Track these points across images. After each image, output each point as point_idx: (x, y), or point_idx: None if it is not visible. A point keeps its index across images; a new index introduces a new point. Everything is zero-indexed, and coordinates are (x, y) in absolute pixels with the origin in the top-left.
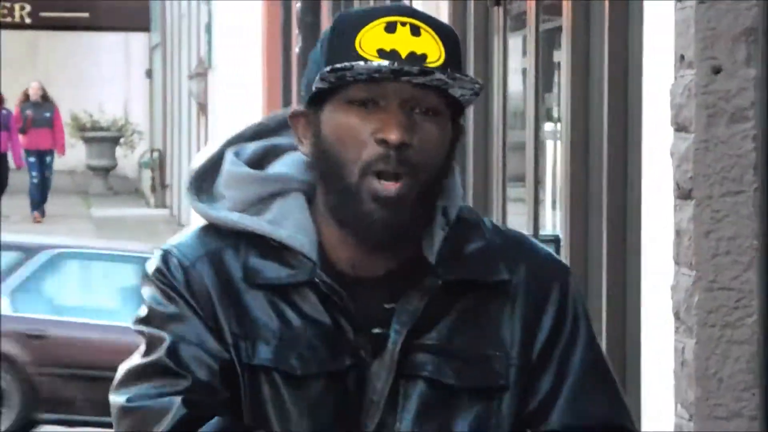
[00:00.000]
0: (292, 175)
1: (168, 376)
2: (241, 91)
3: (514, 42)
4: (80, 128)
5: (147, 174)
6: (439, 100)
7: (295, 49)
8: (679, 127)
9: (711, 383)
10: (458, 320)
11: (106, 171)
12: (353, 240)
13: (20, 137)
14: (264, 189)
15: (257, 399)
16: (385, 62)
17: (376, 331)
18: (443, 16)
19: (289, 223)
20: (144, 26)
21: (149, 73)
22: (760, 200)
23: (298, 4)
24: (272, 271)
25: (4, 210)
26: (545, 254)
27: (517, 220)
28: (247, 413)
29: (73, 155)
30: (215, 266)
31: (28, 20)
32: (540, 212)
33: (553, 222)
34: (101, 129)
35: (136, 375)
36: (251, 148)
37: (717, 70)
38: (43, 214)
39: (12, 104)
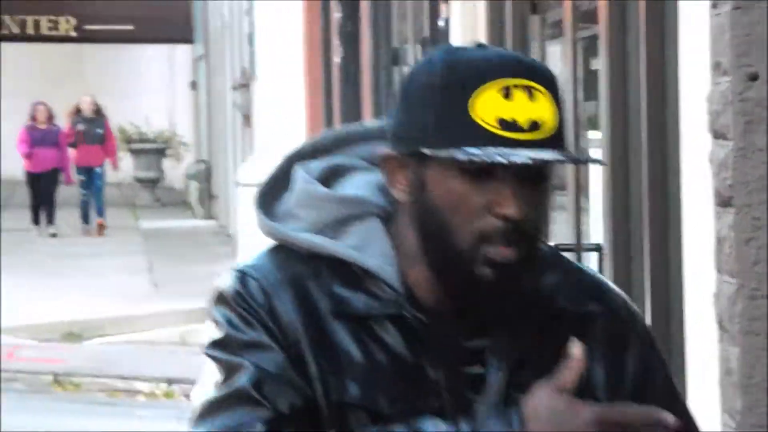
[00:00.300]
0: (369, 198)
1: (250, 405)
2: (285, 102)
3: (552, 50)
4: (127, 140)
5: (194, 185)
6: (550, 168)
7: (336, 59)
8: (717, 135)
9: (756, 392)
10: (555, 356)
11: (153, 183)
12: (448, 292)
13: (70, 152)
14: (342, 211)
15: None
16: (518, 155)
17: (473, 370)
18: (481, 25)
19: (374, 250)
20: (187, 38)
21: (194, 85)
22: None
23: (338, 14)
24: (359, 301)
25: (57, 225)
26: (622, 297)
27: (560, 229)
28: None
29: (120, 167)
30: (299, 294)
31: (73, 33)
32: (582, 220)
33: (595, 230)
34: (148, 141)
35: (218, 405)
36: (318, 166)
37: (753, 77)
38: (102, 227)
39: (60, 118)
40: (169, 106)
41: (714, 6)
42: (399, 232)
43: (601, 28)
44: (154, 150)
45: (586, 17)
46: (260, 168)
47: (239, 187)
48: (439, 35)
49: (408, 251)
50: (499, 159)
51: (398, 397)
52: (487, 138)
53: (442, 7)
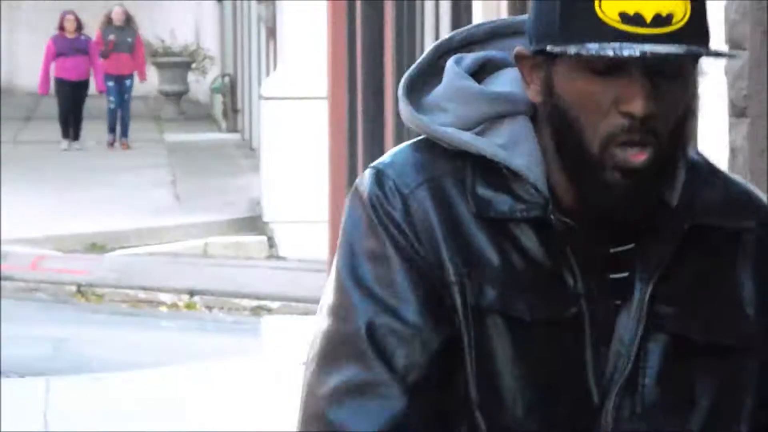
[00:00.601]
0: (519, 95)
1: (362, 364)
2: (308, 15)
3: None
4: (152, 54)
5: (218, 99)
6: (684, 60)
7: None
8: (733, 45)
9: None
10: (699, 271)
11: (178, 96)
12: (582, 198)
13: (101, 61)
14: (493, 108)
15: (483, 343)
16: (633, 48)
17: (616, 276)
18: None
19: (523, 150)
20: None
21: None
22: None
23: None
24: (504, 203)
25: (82, 139)
26: None
27: None
28: (469, 358)
29: (146, 80)
30: (438, 194)
31: None
32: None
33: None
34: (173, 54)
35: (328, 361)
36: (470, 58)
37: None
38: (124, 138)
39: (91, 29)
40: (195, 20)
41: None
42: (542, 132)
43: None
44: (180, 64)
45: None
46: (284, 82)
47: (263, 101)
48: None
49: (550, 151)
50: (608, 52)
51: (536, 303)
52: (608, 33)
53: None
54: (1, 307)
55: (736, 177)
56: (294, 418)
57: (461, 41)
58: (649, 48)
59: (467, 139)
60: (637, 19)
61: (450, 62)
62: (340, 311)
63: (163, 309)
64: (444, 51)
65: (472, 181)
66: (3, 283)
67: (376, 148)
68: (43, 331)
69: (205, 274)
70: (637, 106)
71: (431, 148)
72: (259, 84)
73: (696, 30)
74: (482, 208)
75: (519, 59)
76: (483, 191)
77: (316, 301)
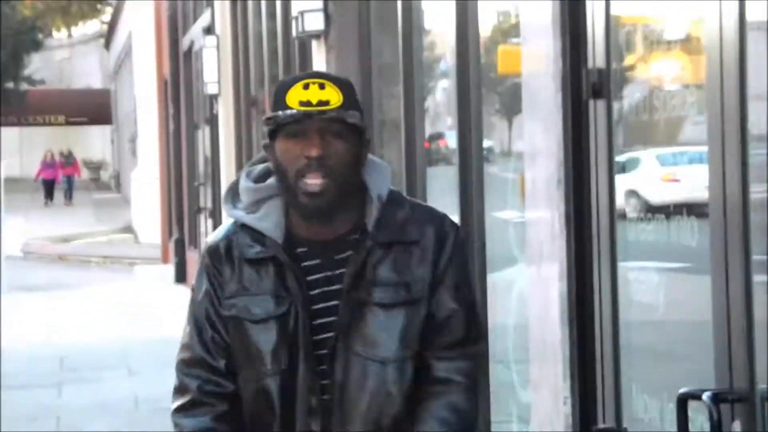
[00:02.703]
0: (275, 184)
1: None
2: (147, 151)
3: None
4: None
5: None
6: (341, 127)
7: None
8: None
9: None
10: (387, 265)
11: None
12: (303, 218)
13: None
14: (258, 195)
15: (240, 338)
16: (302, 109)
17: (333, 273)
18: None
19: (269, 218)
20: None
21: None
22: None
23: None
24: (254, 250)
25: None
26: (444, 218)
27: None
28: (235, 345)
29: None
30: (227, 247)
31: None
32: None
33: None
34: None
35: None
36: (258, 168)
37: None
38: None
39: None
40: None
41: None
42: (282, 193)
43: None
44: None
45: None
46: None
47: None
48: None
49: (289, 204)
50: (284, 113)
51: (267, 307)
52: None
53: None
54: None
55: (423, 203)
56: None
57: (258, 160)
58: (314, 110)
59: (239, 215)
60: (307, 103)
61: (242, 173)
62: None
63: None
64: (245, 169)
65: (243, 238)
66: None
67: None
68: None
69: None
70: (312, 151)
71: (234, 223)
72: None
73: (347, 109)
74: (244, 253)
75: (265, 148)
76: (246, 243)
77: None
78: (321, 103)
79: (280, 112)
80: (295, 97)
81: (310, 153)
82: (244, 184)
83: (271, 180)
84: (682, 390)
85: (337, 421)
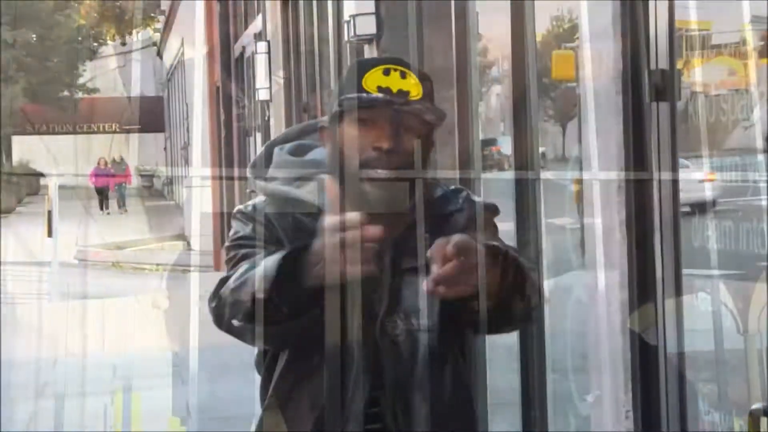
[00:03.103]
0: (323, 161)
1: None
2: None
3: None
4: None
5: None
6: (417, 122)
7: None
8: None
9: None
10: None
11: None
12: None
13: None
14: (305, 169)
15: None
16: (381, 95)
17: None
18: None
19: (318, 192)
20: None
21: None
22: None
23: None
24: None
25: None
26: (466, 195)
27: None
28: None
29: None
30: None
31: None
32: None
33: None
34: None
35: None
36: (288, 145)
37: None
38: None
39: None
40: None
41: None
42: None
43: None
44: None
45: None
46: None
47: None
48: None
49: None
50: (367, 96)
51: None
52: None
53: None
54: None
55: (474, 196)
56: None
57: (282, 139)
58: (395, 99)
59: (286, 190)
60: (387, 91)
61: (276, 149)
62: None
63: None
64: (270, 146)
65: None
66: None
67: None
68: None
69: None
70: (384, 144)
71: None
72: None
73: (423, 104)
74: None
75: (320, 130)
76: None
77: None
78: (401, 92)
79: (360, 95)
80: (374, 81)
81: (381, 144)
82: (284, 158)
83: (313, 155)
84: (755, 406)
85: None
